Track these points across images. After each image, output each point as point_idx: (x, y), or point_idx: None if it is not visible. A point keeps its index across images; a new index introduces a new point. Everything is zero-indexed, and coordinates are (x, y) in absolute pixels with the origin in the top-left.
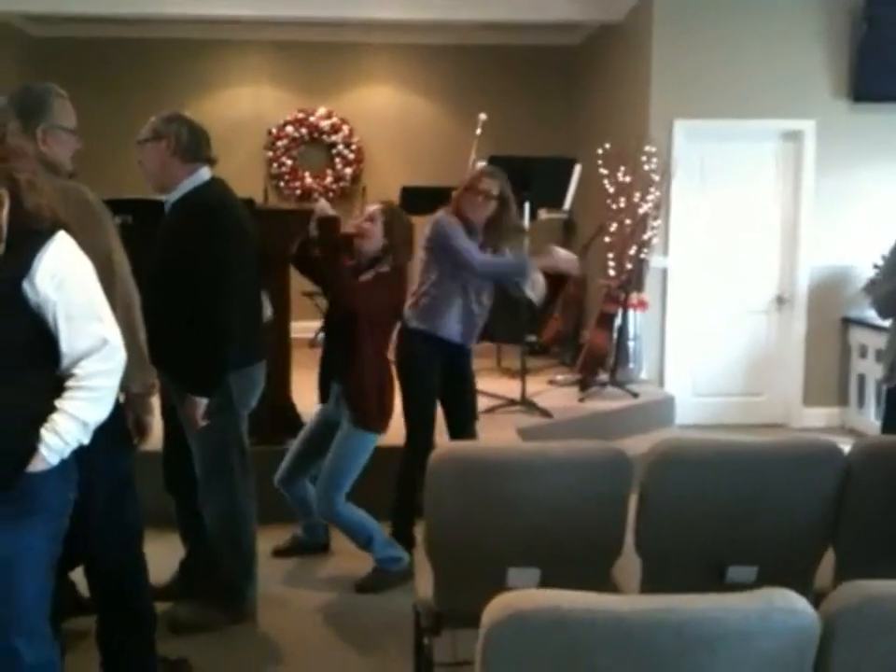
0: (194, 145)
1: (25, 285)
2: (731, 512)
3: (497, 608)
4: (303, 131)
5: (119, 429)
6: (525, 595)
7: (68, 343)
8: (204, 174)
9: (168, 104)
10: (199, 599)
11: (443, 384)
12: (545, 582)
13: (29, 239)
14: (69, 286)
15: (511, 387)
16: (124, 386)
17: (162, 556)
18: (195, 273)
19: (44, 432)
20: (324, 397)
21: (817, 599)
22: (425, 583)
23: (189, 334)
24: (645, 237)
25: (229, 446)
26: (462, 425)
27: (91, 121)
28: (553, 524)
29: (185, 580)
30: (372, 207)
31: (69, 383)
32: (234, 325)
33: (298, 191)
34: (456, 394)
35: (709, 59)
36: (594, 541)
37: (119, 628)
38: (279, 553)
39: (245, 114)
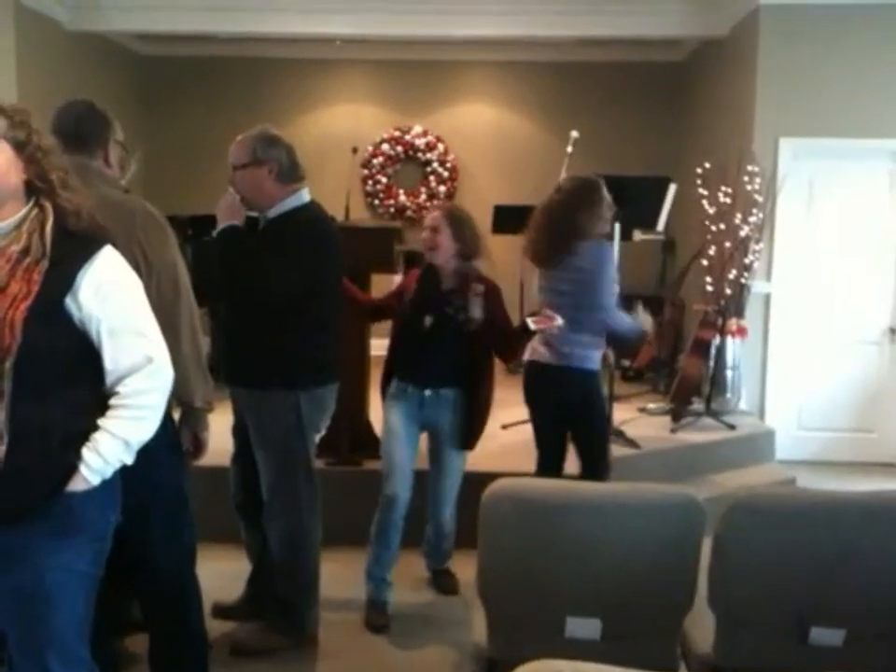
0: (294, 167)
1: (68, 300)
2: (817, 570)
3: None
4: (399, 148)
5: (174, 446)
6: (545, 665)
7: (112, 360)
8: (305, 195)
9: (267, 121)
10: (261, 622)
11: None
12: (607, 635)
13: (73, 252)
14: (113, 301)
15: None
16: (185, 401)
17: (232, 574)
18: (288, 289)
19: (85, 451)
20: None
21: None
22: (478, 627)
23: (274, 346)
24: (746, 261)
25: (296, 467)
26: (584, 467)
27: (192, 137)
28: (617, 571)
29: (252, 599)
30: (432, 215)
31: (113, 401)
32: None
33: (392, 209)
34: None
35: (818, 74)
36: (662, 593)
37: (171, 648)
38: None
39: (341, 132)
